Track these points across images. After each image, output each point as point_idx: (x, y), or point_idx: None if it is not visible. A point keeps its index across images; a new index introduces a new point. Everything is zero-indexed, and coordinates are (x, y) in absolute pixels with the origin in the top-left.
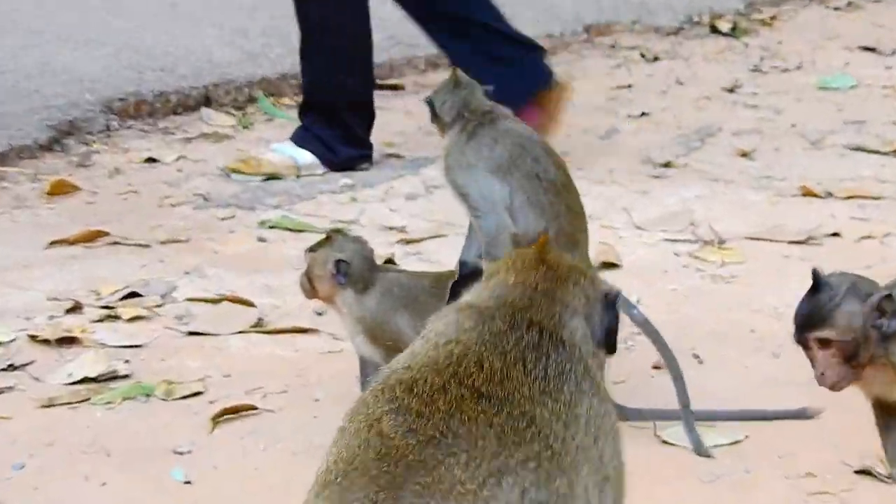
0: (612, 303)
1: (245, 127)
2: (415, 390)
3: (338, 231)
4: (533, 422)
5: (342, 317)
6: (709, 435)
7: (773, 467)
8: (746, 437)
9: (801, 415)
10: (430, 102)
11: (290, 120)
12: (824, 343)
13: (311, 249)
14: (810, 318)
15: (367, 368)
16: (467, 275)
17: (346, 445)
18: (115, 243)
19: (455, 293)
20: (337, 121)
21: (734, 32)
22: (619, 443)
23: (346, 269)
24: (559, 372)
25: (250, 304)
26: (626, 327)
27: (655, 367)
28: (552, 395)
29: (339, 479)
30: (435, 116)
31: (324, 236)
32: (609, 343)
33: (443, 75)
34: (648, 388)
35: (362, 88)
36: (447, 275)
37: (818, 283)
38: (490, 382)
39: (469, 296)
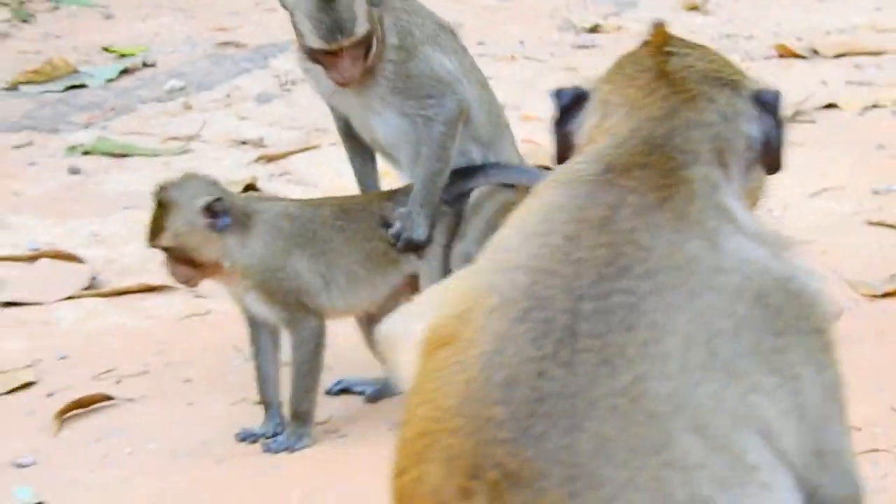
0: (769, 104)
1: (24, 20)
2: None
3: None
4: None
5: (225, 277)
6: None
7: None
8: None
9: None
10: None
11: (81, 5)
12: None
13: (160, 206)
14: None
15: (259, 332)
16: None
17: None
18: None
19: None
20: None
21: None
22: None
23: (223, 207)
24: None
25: (77, 260)
26: None
27: None
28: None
29: None
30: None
31: (157, 189)
32: (770, 159)
33: None
34: None
35: None
36: (357, 200)
37: None
38: None
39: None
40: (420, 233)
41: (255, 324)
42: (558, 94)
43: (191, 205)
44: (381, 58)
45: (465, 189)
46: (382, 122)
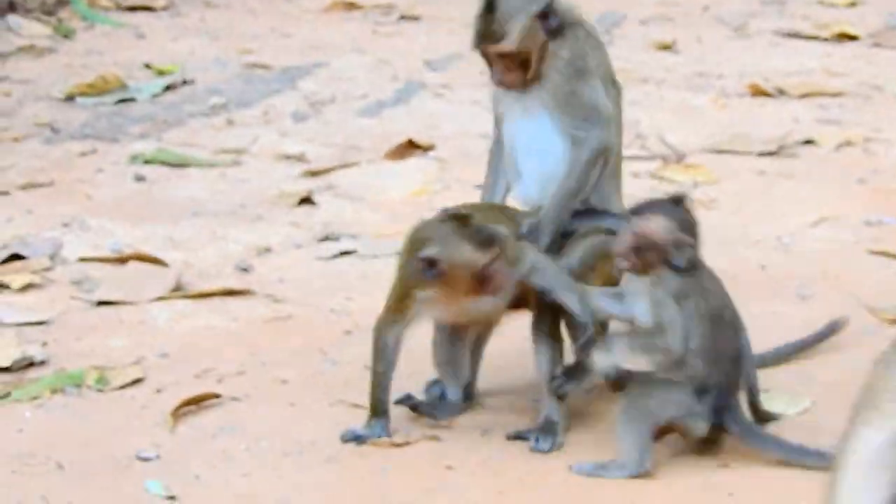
0: None
1: (65, 36)
2: None
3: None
4: None
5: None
6: (772, 402)
7: None
8: (814, 403)
9: (834, 327)
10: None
11: (113, 25)
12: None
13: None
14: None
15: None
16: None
17: None
18: None
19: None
20: None
21: None
22: None
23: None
24: None
25: (161, 263)
26: None
27: None
28: None
29: None
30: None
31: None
32: None
33: None
34: None
35: None
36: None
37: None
38: None
39: None
40: (543, 242)
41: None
42: None
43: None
44: (549, 67)
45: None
46: (534, 128)
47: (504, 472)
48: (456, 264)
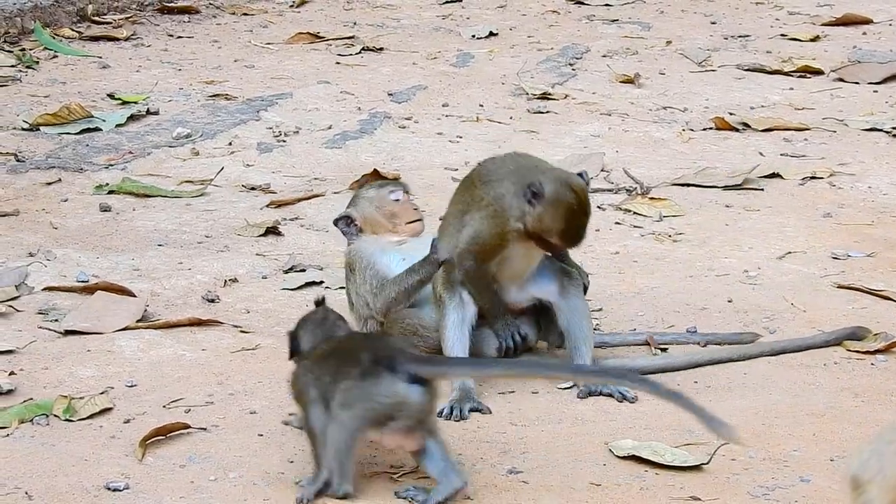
0: None
1: (29, 66)
2: None
3: None
4: None
5: None
6: None
7: (833, 473)
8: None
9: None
10: None
11: (76, 55)
12: None
13: None
14: None
15: None
16: None
17: None
18: None
19: None
20: None
21: None
22: None
23: None
24: None
25: (128, 293)
26: None
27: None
28: None
29: None
30: None
31: None
32: None
33: None
34: None
35: None
36: None
37: None
38: None
39: None
40: None
41: None
42: None
43: None
44: None
45: None
46: None
47: None
48: None
